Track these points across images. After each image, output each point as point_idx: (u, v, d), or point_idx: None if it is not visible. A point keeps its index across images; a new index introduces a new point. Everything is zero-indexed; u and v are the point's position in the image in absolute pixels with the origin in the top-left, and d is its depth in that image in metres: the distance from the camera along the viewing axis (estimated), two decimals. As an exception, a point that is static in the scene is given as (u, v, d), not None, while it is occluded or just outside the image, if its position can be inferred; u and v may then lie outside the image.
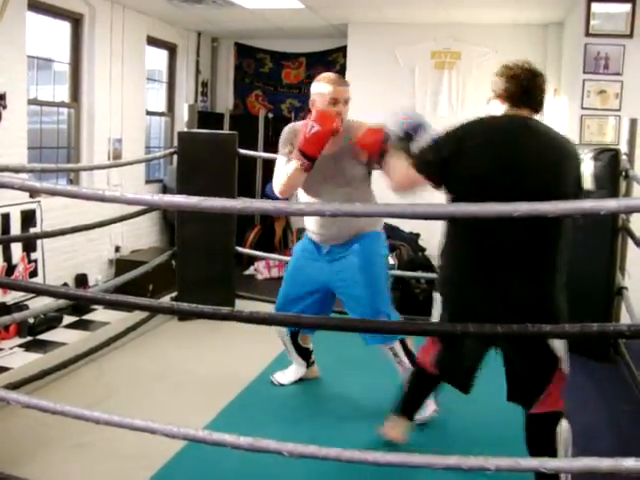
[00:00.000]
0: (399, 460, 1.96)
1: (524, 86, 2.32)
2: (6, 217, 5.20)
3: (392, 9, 6.31)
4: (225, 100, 8.41)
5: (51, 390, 3.35)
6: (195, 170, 4.48)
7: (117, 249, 6.65)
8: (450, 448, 2.82)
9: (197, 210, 1.84)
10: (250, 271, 7.17)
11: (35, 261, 5.55)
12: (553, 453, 2.26)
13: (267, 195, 7.64)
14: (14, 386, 3.09)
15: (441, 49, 6.91)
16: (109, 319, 5.19)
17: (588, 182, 4.06)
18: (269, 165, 7.77)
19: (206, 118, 7.60)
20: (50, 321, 5.11)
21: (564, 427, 2.28)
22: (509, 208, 1.66)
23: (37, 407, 2.20)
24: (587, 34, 5.22)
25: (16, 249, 5.34)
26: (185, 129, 4.82)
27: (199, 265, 4.62)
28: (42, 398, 2.31)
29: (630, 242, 3.99)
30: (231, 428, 2.08)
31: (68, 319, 5.33)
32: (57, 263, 5.78)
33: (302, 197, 3.10)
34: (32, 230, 5.41)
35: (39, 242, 5.55)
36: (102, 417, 2.11)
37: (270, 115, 8.03)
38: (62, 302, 3.73)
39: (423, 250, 6.35)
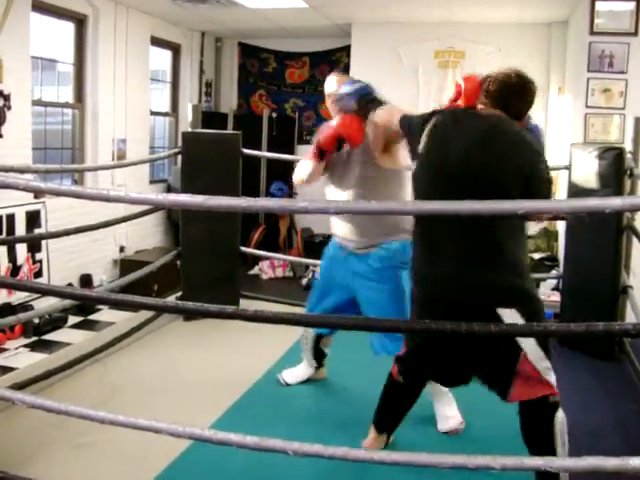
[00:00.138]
0: (405, 459, 1.96)
1: (499, 90, 2.36)
2: (11, 218, 5.21)
3: (396, 8, 6.31)
4: (229, 100, 8.41)
5: (56, 390, 3.36)
6: (199, 170, 4.49)
7: (122, 249, 6.66)
8: (452, 447, 2.84)
9: (202, 209, 1.83)
10: (255, 271, 7.17)
11: (40, 261, 5.56)
12: (549, 443, 2.25)
13: (272, 195, 7.67)
14: (19, 386, 3.10)
15: (445, 48, 6.89)
16: (114, 319, 5.19)
17: (592, 181, 4.06)
18: (273, 165, 7.87)
19: (210, 118, 7.62)
20: (55, 321, 5.11)
21: (559, 419, 2.26)
22: (514, 205, 1.66)
23: (42, 407, 2.20)
24: (591, 32, 5.20)
25: (21, 250, 5.35)
26: (189, 129, 4.82)
27: (204, 265, 4.63)
28: (47, 398, 2.32)
29: (635, 241, 3.99)
30: (236, 427, 2.08)
31: (73, 319, 5.34)
32: (62, 263, 5.79)
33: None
34: (37, 231, 5.42)
35: (44, 243, 5.56)
36: (107, 417, 2.11)
37: (274, 115, 8.03)
38: (67, 302, 3.74)
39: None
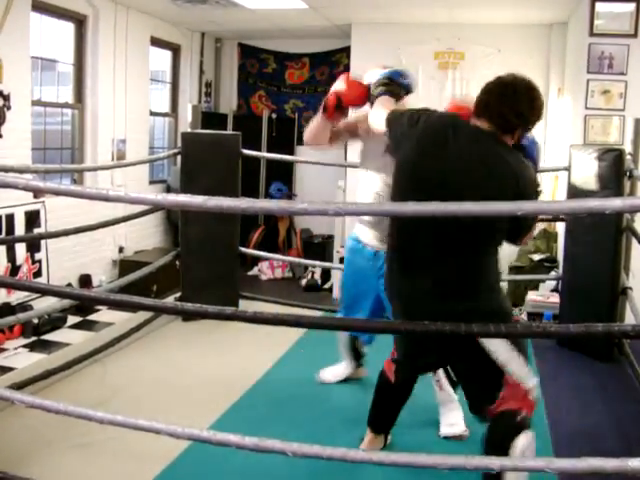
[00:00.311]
0: (404, 460, 1.96)
1: (484, 99, 2.34)
2: (10, 218, 5.20)
3: (395, 9, 6.31)
4: (229, 100, 8.40)
5: (55, 390, 3.36)
6: (199, 171, 4.49)
7: (121, 250, 6.65)
8: (451, 450, 2.84)
9: (201, 210, 1.84)
10: (254, 271, 7.17)
11: (39, 261, 5.55)
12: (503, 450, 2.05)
13: (271, 196, 7.67)
14: (18, 386, 3.10)
15: (445, 49, 6.89)
16: (113, 319, 5.19)
17: (592, 182, 4.06)
18: (273, 166, 7.87)
19: (210, 118, 7.61)
20: (54, 321, 5.10)
21: (521, 442, 2.05)
22: (513, 207, 1.66)
23: (41, 407, 2.20)
24: (591, 34, 5.20)
25: (20, 249, 5.34)
26: (189, 129, 4.83)
27: (203, 266, 4.63)
28: (46, 398, 2.31)
29: (635, 242, 3.99)
30: (235, 428, 2.08)
31: (72, 319, 5.33)
32: (61, 263, 5.79)
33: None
34: (36, 230, 5.41)
35: (43, 242, 5.55)
36: (106, 417, 2.11)
37: (274, 115, 8.02)
38: (66, 302, 3.74)
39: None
